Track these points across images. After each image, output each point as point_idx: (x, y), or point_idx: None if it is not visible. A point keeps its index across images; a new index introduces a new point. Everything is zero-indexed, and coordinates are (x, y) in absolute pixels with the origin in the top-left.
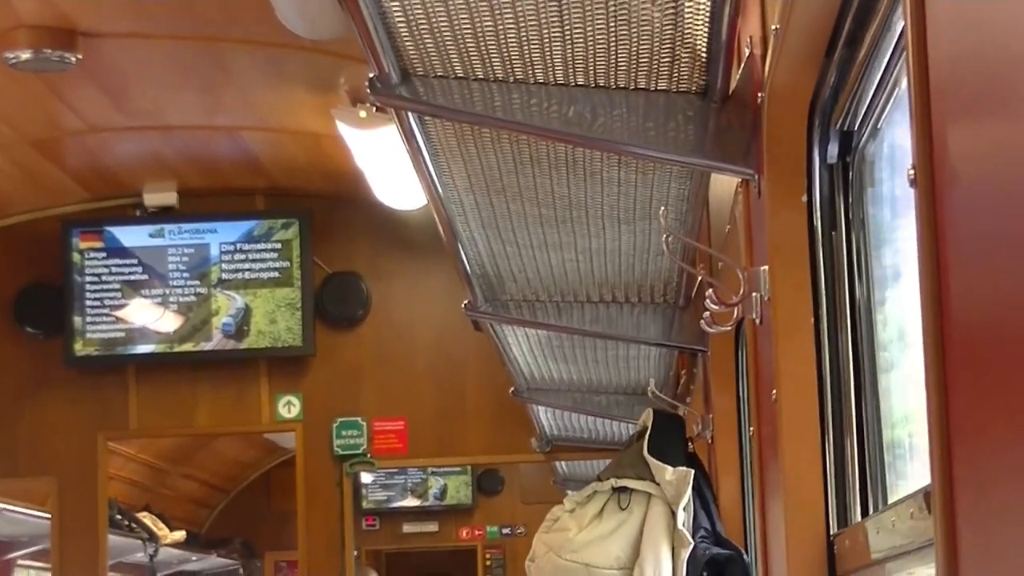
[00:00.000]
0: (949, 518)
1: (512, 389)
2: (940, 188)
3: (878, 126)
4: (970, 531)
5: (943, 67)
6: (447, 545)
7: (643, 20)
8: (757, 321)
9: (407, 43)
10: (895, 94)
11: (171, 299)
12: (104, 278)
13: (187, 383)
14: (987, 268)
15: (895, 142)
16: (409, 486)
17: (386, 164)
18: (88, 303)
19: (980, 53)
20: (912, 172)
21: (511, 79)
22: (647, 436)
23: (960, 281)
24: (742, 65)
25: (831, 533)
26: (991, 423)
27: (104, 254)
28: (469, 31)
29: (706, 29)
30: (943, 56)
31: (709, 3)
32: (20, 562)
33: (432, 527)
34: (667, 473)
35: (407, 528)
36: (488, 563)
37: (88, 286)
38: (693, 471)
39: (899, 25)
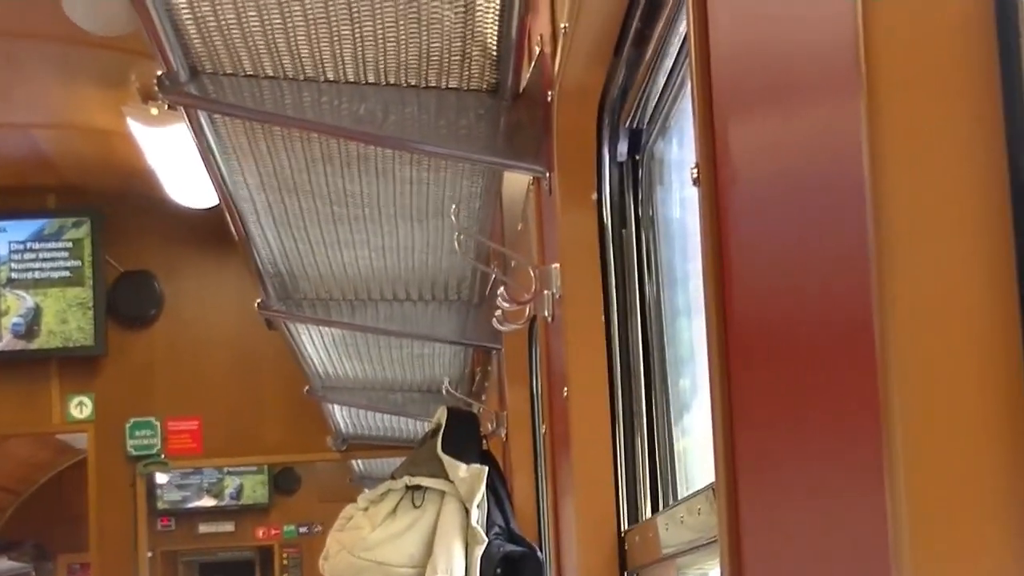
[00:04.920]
0: (732, 512)
1: (307, 388)
2: (722, 186)
3: (667, 124)
4: (751, 524)
5: (724, 67)
6: (244, 545)
7: (433, 18)
8: (549, 319)
9: (195, 40)
10: (682, 93)
11: None
12: None
13: None
14: (767, 266)
15: (684, 140)
16: (205, 486)
17: (179, 162)
18: None
19: (759, 54)
20: (695, 171)
21: (301, 77)
22: (441, 434)
23: (741, 279)
24: (533, 63)
25: (622, 529)
26: (771, 419)
27: None
28: (258, 28)
29: (496, 27)
30: (724, 56)
31: (499, 1)
32: None
33: (229, 527)
34: (461, 471)
35: (203, 528)
36: (285, 562)
37: None
38: (487, 468)
39: (684, 25)
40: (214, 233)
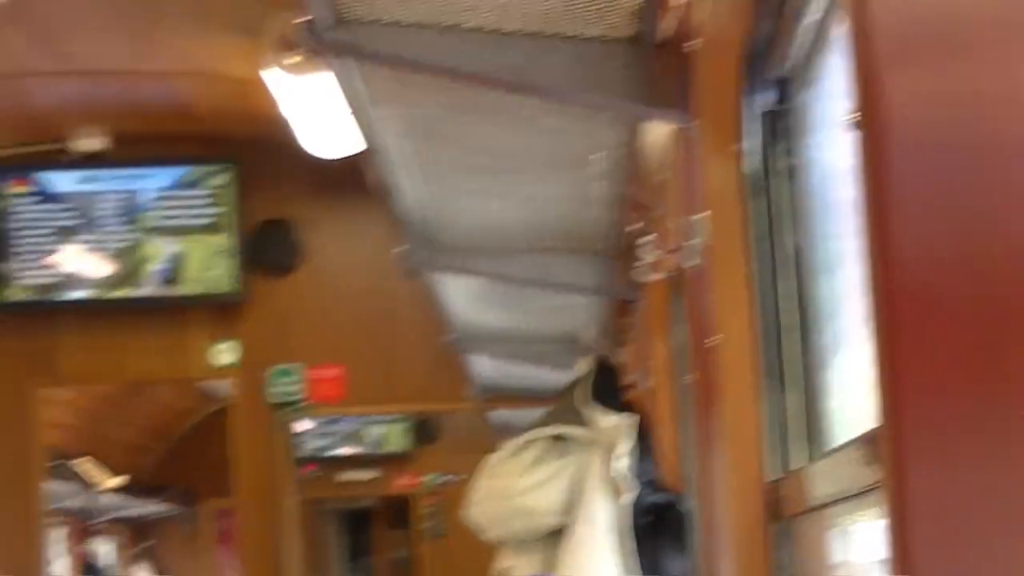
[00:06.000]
0: (896, 462)
1: (447, 337)
2: (881, 131)
3: (812, 74)
4: (916, 473)
5: (883, 8)
6: (385, 493)
7: None
8: (693, 269)
9: None
10: (828, 42)
11: (104, 245)
12: (35, 224)
13: (120, 329)
14: (931, 208)
15: (829, 90)
16: (347, 434)
17: (316, 112)
18: (19, 248)
19: None
20: (852, 116)
21: (445, 24)
22: (585, 384)
23: (904, 223)
24: (676, 12)
25: (772, 479)
26: (937, 368)
27: (35, 199)
28: None
29: None
30: None
31: None
32: None
33: (369, 475)
34: (605, 421)
35: (345, 476)
36: (426, 510)
37: (19, 232)
38: (631, 418)
39: None
40: (354, 181)
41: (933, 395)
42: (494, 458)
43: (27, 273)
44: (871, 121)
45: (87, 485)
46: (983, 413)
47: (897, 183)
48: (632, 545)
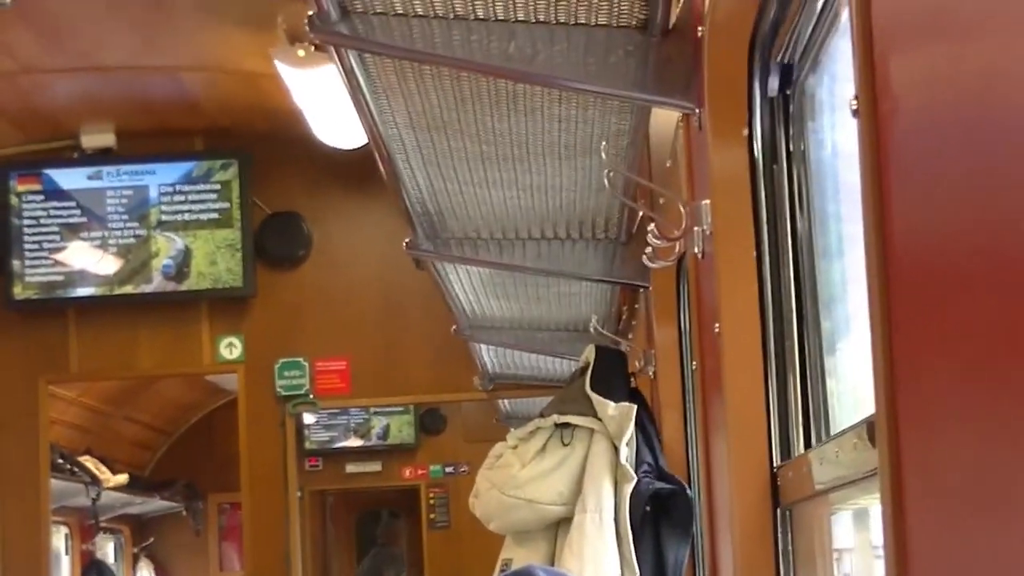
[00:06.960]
0: (893, 446)
1: (454, 327)
2: (883, 118)
3: (818, 59)
4: (914, 459)
5: None
6: (391, 484)
7: None
8: (699, 255)
9: None
10: (834, 27)
11: (110, 241)
12: (42, 221)
13: (128, 325)
14: (930, 197)
15: (835, 75)
16: (352, 426)
17: (325, 103)
18: (27, 246)
19: None
20: (854, 103)
21: (451, 15)
22: (589, 372)
23: (903, 210)
24: None
25: (775, 465)
26: (934, 353)
27: (42, 197)
28: None
29: None
30: None
31: None
32: None
33: (375, 467)
34: (609, 408)
35: (350, 468)
36: (432, 501)
37: (26, 229)
38: (635, 406)
39: None
40: (361, 174)
41: (929, 381)
42: (498, 448)
43: (35, 271)
44: (870, 107)
45: (90, 483)
46: (979, 400)
47: (896, 170)
48: (634, 533)
